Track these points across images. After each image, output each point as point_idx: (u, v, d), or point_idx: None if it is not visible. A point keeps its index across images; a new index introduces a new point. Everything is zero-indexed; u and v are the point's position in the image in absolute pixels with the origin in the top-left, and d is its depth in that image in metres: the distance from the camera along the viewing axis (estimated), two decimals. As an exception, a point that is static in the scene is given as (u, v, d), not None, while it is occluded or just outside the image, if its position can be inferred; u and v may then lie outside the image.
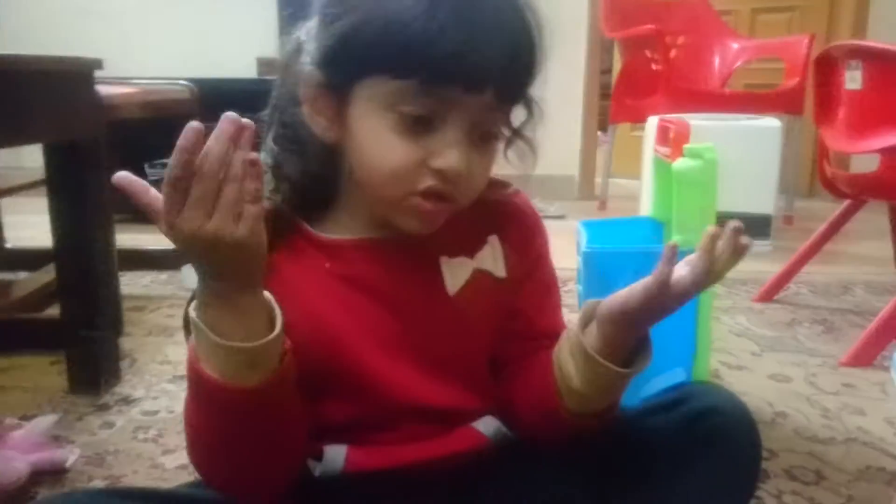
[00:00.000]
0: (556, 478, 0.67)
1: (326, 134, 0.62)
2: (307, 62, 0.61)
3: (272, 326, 0.54)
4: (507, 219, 0.69)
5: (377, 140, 0.58)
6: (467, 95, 0.56)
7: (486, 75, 0.56)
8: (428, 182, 0.58)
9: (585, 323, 0.61)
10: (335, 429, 0.65)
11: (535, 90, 0.63)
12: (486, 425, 0.68)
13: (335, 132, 0.61)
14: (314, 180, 0.65)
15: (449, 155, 0.57)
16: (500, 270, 0.67)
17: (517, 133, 0.65)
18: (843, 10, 3.32)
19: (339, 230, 0.65)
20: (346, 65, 0.58)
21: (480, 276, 0.66)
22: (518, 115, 0.64)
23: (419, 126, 0.57)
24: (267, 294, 0.55)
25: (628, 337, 0.60)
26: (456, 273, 0.66)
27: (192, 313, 0.53)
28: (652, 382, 1.08)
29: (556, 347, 0.64)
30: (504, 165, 0.68)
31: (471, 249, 0.67)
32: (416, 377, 0.64)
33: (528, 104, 0.64)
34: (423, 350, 0.65)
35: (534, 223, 0.71)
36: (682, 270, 0.56)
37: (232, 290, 0.52)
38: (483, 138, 0.60)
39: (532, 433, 0.68)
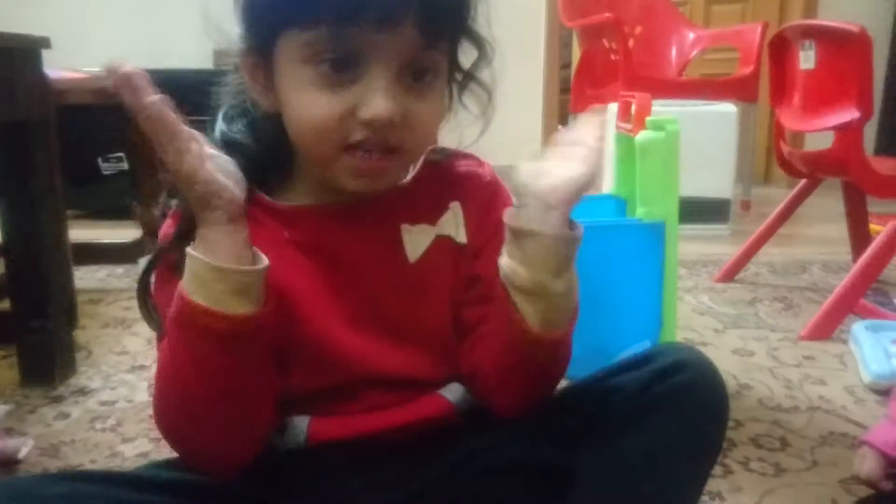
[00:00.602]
0: (524, 441, 0.66)
1: (264, 101, 0.61)
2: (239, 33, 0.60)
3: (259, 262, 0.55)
4: (469, 186, 0.67)
5: (299, 96, 0.56)
6: (382, 33, 0.53)
7: (397, 9, 0.53)
8: (358, 136, 0.55)
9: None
10: (298, 400, 0.63)
11: (483, 28, 0.60)
12: (453, 392, 0.67)
13: (271, 98, 0.60)
14: (266, 150, 0.63)
15: (373, 103, 0.54)
16: (461, 236, 0.66)
17: (469, 75, 0.63)
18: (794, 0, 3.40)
19: (297, 198, 0.64)
20: (259, 25, 0.58)
21: (442, 242, 0.65)
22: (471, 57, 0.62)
23: (340, 76, 0.55)
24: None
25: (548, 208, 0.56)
26: (417, 240, 0.64)
27: (188, 248, 0.54)
28: (619, 355, 1.09)
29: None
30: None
31: (432, 216, 0.65)
32: (377, 345, 0.63)
33: (477, 42, 0.62)
34: (384, 318, 0.64)
35: (496, 189, 0.69)
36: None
37: (222, 219, 0.53)
38: (418, 79, 0.57)
39: (505, 392, 0.65)
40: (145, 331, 1.48)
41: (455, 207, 0.66)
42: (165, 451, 0.60)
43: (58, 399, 1.17)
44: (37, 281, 1.18)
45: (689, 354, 0.63)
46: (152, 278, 0.62)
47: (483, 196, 0.68)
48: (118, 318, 1.56)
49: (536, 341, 0.59)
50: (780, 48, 1.65)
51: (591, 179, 0.56)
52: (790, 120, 1.64)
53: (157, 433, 1.04)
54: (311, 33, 0.54)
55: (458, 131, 0.66)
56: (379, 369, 0.63)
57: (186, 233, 0.58)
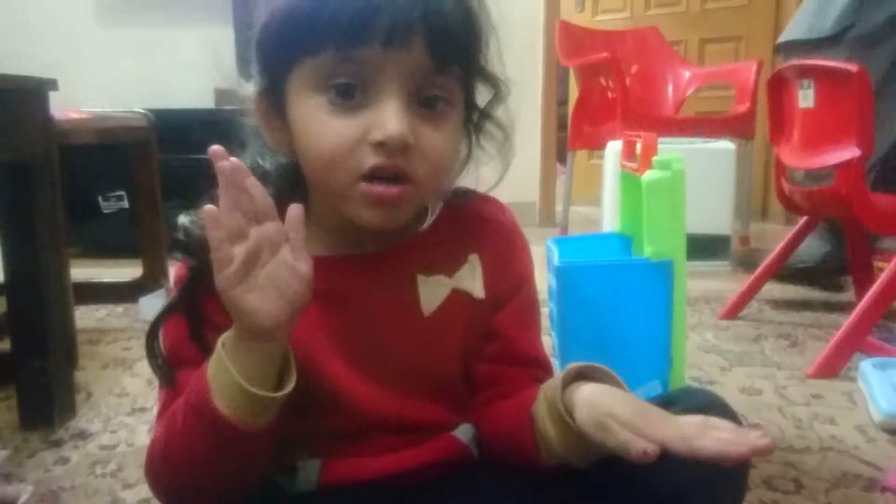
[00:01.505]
0: (541, 485, 0.65)
1: (279, 144, 0.61)
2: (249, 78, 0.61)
3: (285, 375, 0.55)
4: (488, 236, 0.66)
5: (312, 125, 0.56)
6: (390, 52, 0.53)
7: (403, 27, 0.52)
8: (371, 161, 0.55)
9: (565, 385, 0.57)
10: (309, 443, 0.63)
11: (496, 67, 0.60)
12: (465, 433, 0.67)
13: (285, 139, 0.60)
14: (279, 196, 0.63)
15: (385, 124, 0.53)
16: (478, 291, 0.65)
17: (484, 114, 0.63)
18: (787, 40, 3.45)
19: (312, 247, 0.63)
20: (272, 60, 0.58)
21: (458, 296, 0.64)
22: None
23: (351, 101, 0.55)
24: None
25: None
26: (432, 292, 0.63)
27: (220, 349, 0.53)
28: (629, 395, 1.07)
29: (535, 404, 0.60)
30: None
31: (450, 268, 0.64)
32: (387, 393, 0.63)
33: (492, 81, 0.62)
34: (395, 367, 0.63)
35: (515, 241, 0.68)
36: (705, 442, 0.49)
37: (263, 338, 0.53)
38: (429, 105, 0.56)
39: (500, 461, 0.65)
40: (146, 372, 1.46)
41: (473, 260, 0.65)
42: (168, 499, 0.60)
43: (57, 443, 1.14)
44: (37, 321, 1.16)
45: (708, 399, 0.63)
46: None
47: (502, 246, 0.67)
48: (118, 358, 1.55)
49: (540, 466, 0.60)
50: (779, 87, 1.66)
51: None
52: (790, 157, 1.65)
53: (159, 478, 1.02)
54: (319, 59, 0.54)
55: (475, 172, 0.66)
56: (388, 417, 0.63)
57: (191, 292, 0.59)
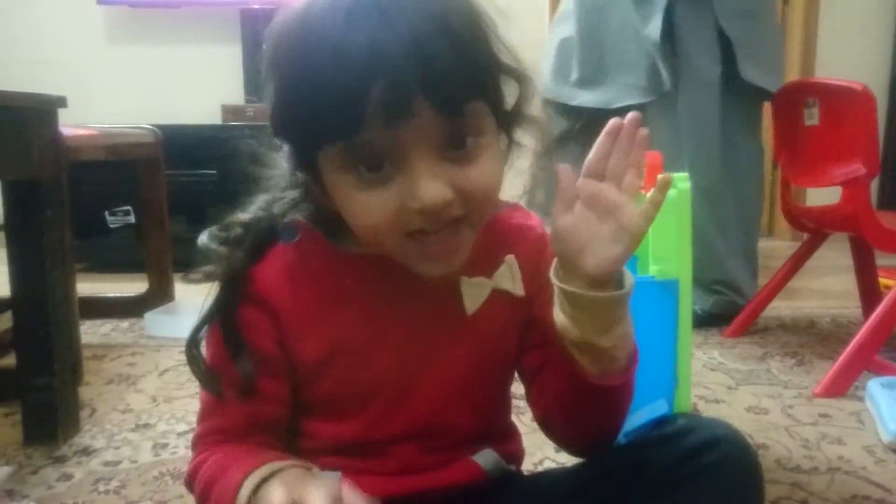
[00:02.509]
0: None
1: (326, 203, 0.61)
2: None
3: None
4: (520, 238, 0.68)
5: (349, 202, 0.56)
6: (398, 128, 0.51)
7: (401, 104, 0.50)
8: (417, 223, 0.54)
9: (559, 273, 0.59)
10: (330, 452, 0.63)
11: (511, 60, 0.58)
12: (485, 459, 0.67)
13: (328, 198, 0.60)
14: (330, 219, 0.64)
15: (420, 192, 0.52)
16: (518, 289, 0.66)
17: (515, 114, 0.60)
18: (790, 59, 3.46)
19: (354, 245, 0.64)
20: (293, 148, 0.60)
21: (499, 295, 0.65)
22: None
23: (380, 172, 0.53)
24: None
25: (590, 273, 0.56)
26: (474, 293, 0.65)
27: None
28: (635, 414, 1.07)
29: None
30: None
31: (488, 269, 0.65)
32: (426, 392, 0.64)
33: (515, 76, 0.59)
34: (435, 367, 0.64)
35: (546, 241, 0.68)
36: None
37: None
38: (458, 146, 0.54)
39: (573, 436, 0.66)
40: (149, 388, 1.46)
41: (510, 260, 0.66)
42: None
43: (61, 459, 1.14)
44: (43, 338, 1.16)
45: (723, 431, 0.62)
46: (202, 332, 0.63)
47: (535, 248, 0.68)
48: (122, 374, 1.55)
49: (595, 388, 0.59)
50: (784, 105, 1.67)
51: (637, 244, 0.55)
52: (796, 176, 1.66)
53: (161, 496, 1.02)
54: (336, 146, 0.54)
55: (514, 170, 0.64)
56: (422, 419, 0.64)
57: (231, 298, 0.60)
